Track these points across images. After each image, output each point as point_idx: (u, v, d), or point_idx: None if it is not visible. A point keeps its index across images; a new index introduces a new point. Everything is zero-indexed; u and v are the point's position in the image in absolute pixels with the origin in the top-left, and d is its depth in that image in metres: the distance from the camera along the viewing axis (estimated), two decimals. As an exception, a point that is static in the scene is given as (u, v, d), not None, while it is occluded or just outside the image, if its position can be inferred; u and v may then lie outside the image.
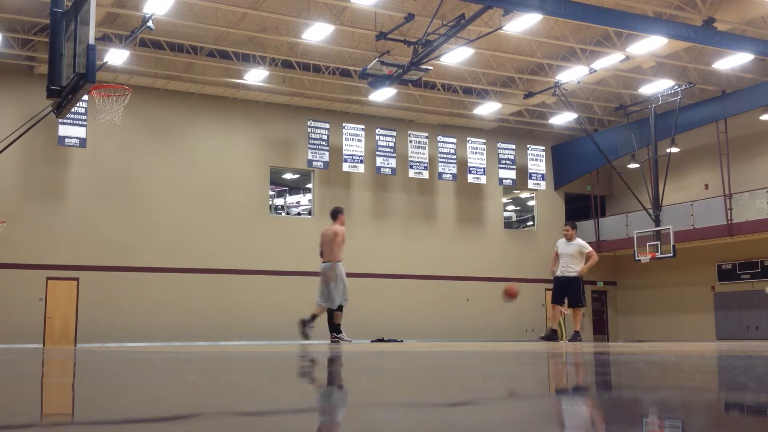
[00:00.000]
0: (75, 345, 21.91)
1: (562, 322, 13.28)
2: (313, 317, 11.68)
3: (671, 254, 24.83)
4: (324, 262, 11.78)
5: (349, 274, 28.72)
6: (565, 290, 12.94)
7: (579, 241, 13.04)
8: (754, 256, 26.39)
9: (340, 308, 11.84)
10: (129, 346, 18.57)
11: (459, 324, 27.18)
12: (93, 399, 2.92)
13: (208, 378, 3.90)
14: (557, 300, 13.14)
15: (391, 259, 26.94)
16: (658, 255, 25.28)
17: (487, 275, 28.37)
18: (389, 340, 24.56)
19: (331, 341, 11.93)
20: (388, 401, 2.64)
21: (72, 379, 4.27)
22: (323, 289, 11.74)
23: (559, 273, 12.96)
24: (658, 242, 25.55)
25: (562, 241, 13.14)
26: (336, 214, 11.98)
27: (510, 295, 12.72)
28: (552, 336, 13.13)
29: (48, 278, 22.26)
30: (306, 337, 11.63)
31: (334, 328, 11.93)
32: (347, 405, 2.58)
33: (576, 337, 12.97)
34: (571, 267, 12.82)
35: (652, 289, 29.57)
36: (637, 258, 25.90)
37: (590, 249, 13.00)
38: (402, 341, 24.44)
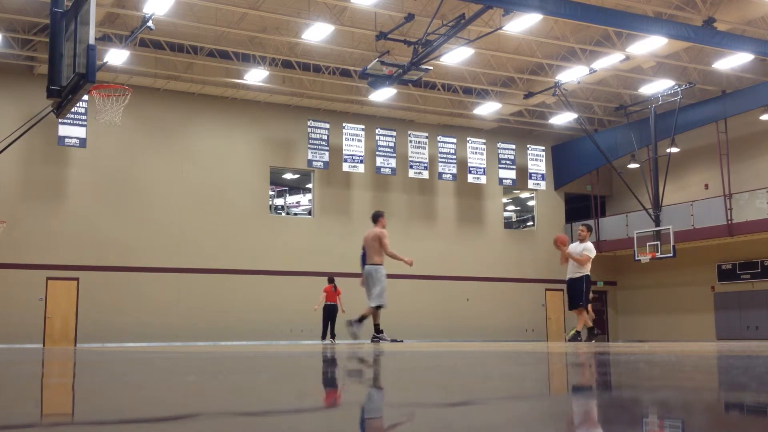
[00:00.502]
0: (75, 345, 21.90)
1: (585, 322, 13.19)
2: (362, 318, 12.04)
3: (671, 254, 24.83)
4: (366, 265, 12.05)
5: (349, 274, 28.71)
6: (571, 291, 12.90)
7: (587, 243, 12.98)
8: (754, 256, 26.39)
9: (378, 308, 12.11)
10: (129, 346, 18.57)
11: (459, 324, 27.18)
12: (93, 399, 2.92)
13: (208, 378, 3.90)
14: (572, 306, 13.11)
15: (391, 259, 26.91)
16: (658, 255, 25.28)
17: (487, 275, 28.38)
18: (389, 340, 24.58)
19: (372, 341, 12.36)
20: (388, 401, 2.63)
21: (72, 379, 4.27)
22: (366, 290, 12.08)
23: (568, 275, 12.94)
24: (658, 242, 25.55)
25: (575, 243, 13.15)
26: (377, 217, 12.26)
27: (560, 243, 12.78)
28: (589, 335, 13.09)
29: (48, 278, 22.26)
30: (355, 336, 12.08)
31: (375, 328, 12.40)
32: (347, 405, 2.58)
33: (576, 337, 12.94)
34: (576, 268, 12.78)
35: (652, 289, 29.56)
36: (637, 258, 25.90)
37: (589, 254, 12.81)
38: (402, 341, 24.43)
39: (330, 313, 20.30)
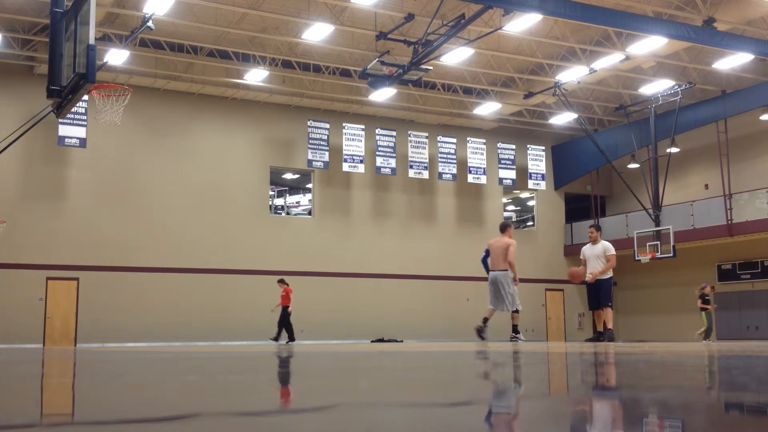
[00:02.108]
0: (75, 345, 21.90)
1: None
2: (485, 320, 12.82)
3: (671, 254, 24.82)
4: (492, 270, 13.02)
5: (349, 274, 28.50)
6: (596, 292, 12.80)
7: (603, 243, 12.88)
8: (754, 256, 26.37)
9: (517, 311, 12.92)
10: (129, 346, 18.57)
11: (459, 324, 27.13)
12: (93, 399, 2.92)
13: (208, 378, 3.90)
14: (593, 306, 13.07)
15: (391, 259, 26.93)
16: (658, 255, 25.26)
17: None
18: (389, 340, 24.57)
19: (510, 340, 13.05)
20: (388, 401, 2.63)
21: (72, 379, 4.27)
22: (493, 295, 12.91)
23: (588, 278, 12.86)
24: (658, 242, 25.53)
25: (587, 245, 13.04)
26: (505, 227, 13.29)
27: (575, 277, 13.09)
28: (598, 337, 13.08)
29: (48, 278, 22.26)
30: (483, 339, 12.70)
31: (513, 329, 13.10)
32: (347, 405, 2.57)
33: (610, 335, 12.85)
34: (598, 269, 12.67)
35: (652, 289, 29.55)
36: (637, 258, 25.88)
37: (612, 252, 12.76)
38: (402, 341, 24.45)
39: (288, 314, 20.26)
